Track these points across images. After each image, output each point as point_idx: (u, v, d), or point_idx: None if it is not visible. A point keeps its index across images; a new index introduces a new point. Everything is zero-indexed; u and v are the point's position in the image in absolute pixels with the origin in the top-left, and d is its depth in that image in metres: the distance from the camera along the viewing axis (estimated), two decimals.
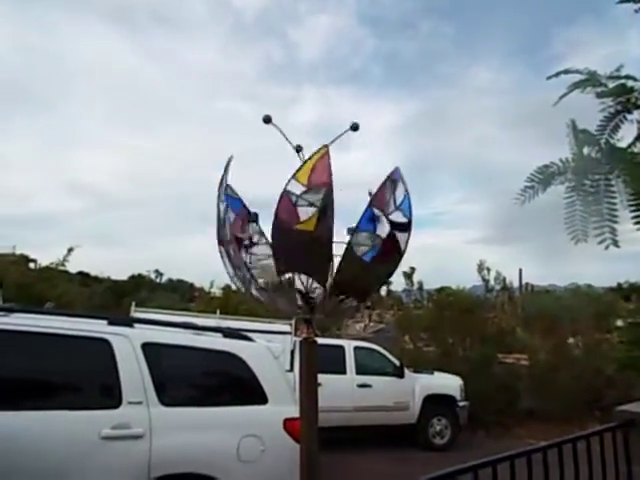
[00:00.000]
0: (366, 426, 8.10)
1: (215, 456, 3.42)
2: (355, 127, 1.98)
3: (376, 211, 1.90)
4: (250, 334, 7.36)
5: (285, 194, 1.78)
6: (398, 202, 1.95)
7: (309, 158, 1.85)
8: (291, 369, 8.01)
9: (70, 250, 12.36)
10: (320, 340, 7.76)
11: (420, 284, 15.89)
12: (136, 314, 7.49)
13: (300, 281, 1.95)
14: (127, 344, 3.45)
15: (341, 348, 8.52)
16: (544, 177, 1.99)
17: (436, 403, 8.57)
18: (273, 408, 3.79)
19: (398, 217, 1.95)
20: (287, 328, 8.35)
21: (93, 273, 37.70)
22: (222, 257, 2.16)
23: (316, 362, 2.17)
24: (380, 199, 1.91)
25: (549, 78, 2.15)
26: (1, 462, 2.85)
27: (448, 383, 8.96)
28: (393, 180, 1.96)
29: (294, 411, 3.87)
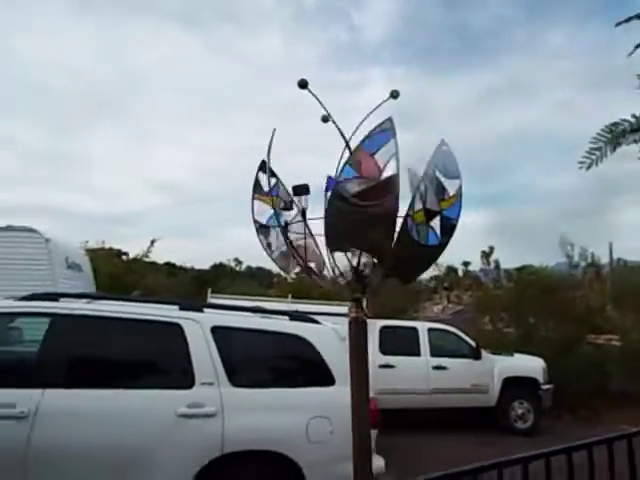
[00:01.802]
0: (443, 409, 7.94)
1: (285, 435, 3.50)
2: (395, 95, 1.88)
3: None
4: (320, 317, 7.51)
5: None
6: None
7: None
8: None
9: (153, 242, 13.15)
10: (393, 322, 7.72)
11: (497, 263, 15.19)
12: (212, 300, 7.83)
13: (347, 259, 1.90)
14: (197, 328, 3.60)
15: (414, 330, 8.38)
16: (613, 136, 1.76)
17: (517, 386, 8.20)
18: (340, 389, 3.78)
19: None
20: None
21: (179, 264, 39.74)
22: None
23: (365, 343, 2.12)
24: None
25: (618, 25, 1.90)
26: (87, 436, 3.10)
27: (529, 365, 8.54)
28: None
29: None
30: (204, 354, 3.54)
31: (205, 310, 3.84)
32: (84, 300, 3.68)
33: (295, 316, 4.12)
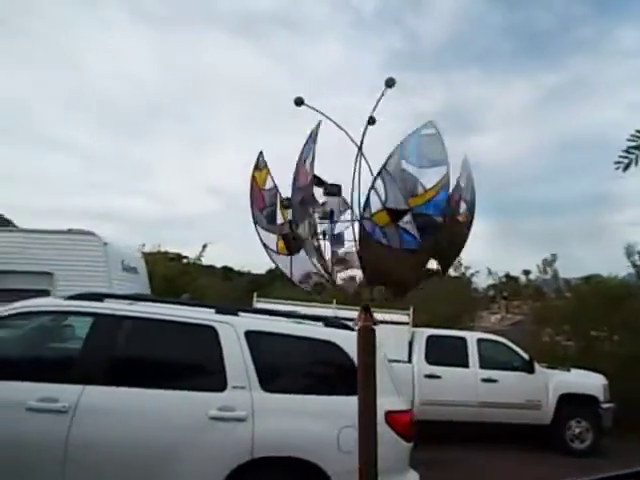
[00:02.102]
0: (493, 423, 7.60)
1: (315, 443, 3.45)
2: (391, 84, 1.79)
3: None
4: None
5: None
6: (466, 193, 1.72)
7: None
8: (409, 360, 7.84)
9: (204, 246, 13.51)
10: (440, 331, 7.50)
11: (555, 272, 14.40)
12: (258, 304, 7.92)
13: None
14: (231, 331, 3.64)
15: (463, 340, 8.09)
16: None
17: (574, 403, 7.72)
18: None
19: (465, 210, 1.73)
20: (405, 318, 8.18)
21: (237, 268, 40.65)
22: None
23: (374, 352, 2.05)
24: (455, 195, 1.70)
25: None
26: (121, 432, 3.20)
27: (588, 381, 8.01)
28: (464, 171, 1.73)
29: (397, 403, 3.77)
30: (237, 358, 3.57)
31: (240, 314, 3.88)
32: (127, 301, 3.81)
33: (329, 322, 4.07)
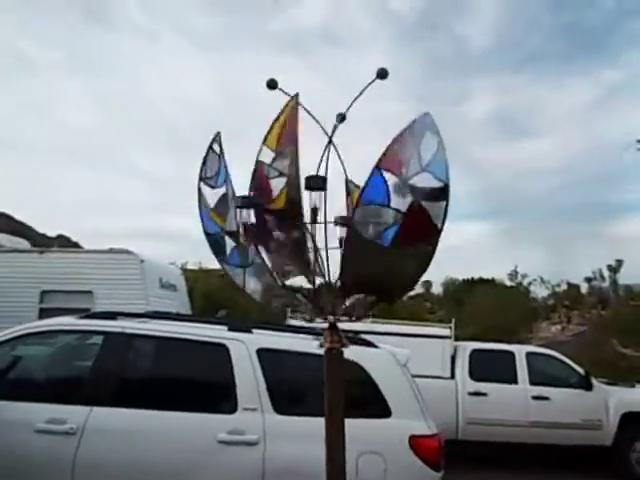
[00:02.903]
0: (545, 445, 7.00)
1: None
2: (382, 74, 1.56)
3: (387, 175, 1.44)
4: (402, 338, 7.07)
5: (258, 166, 1.47)
6: (425, 161, 1.45)
7: (277, 117, 1.50)
8: (452, 376, 7.40)
9: None
10: (485, 345, 7.01)
11: (613, 279, 13.37)
12: (291, 321, 7.74)
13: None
14: (243, 349, 3.47)
15: (510, 354, 7.55)
16: None
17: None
18: (397, 422, 3.42)
19: (425, 181, 1.46)
20: (446, 332, 7.76)
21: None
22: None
23: (341, 378, 1.81)
24: (392, 159, 1.45)
25: None
26: (128, 455, 3.09)
27: None
28: (417, 131, 1.46)
29: (423, 427, 3.45)
30: (249, 378, 3.39)
31: (255, 331, 3.71)
32: (139, 319, 3.74)
33: (349, 339, 3.82)
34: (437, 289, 40.20)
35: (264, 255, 1.60)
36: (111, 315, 3.67)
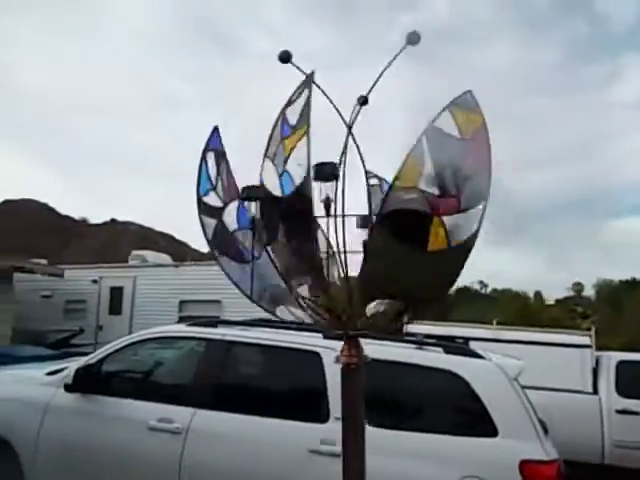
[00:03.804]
0: None
1: None
2: (413, 40, 1.36)
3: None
4: (532, 347, 6.39)
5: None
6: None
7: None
8: (594, 392, 6.49)
9: None
10: (635, 356, 6.04)
11: None
12: (407, 326, 7.47)
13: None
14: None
15: None
16: None
17: None
18: (505, 443, 3.05)
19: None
20: (585, 340, 6.84)
21: None
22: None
23: (361, 396, 1.60)
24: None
25: None
26: (224, 457, 3.19)
27: None
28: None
29: (537, 450, 3.04)
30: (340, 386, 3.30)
31: None
32: (239, 327, 3.88)
33: (451, 348, 3.53)
34: (589, 292, 36.21)
35: (272, 255, 1.50)
36: (213, 323, 3.87)
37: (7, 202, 42.62)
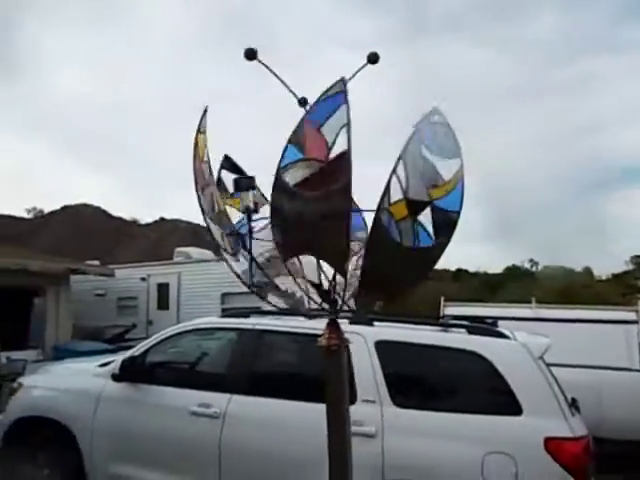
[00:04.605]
0: None
1: (455, 469, 3.05)
2: (373, 59, 1.42)
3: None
4: (571, 325, 6.26)
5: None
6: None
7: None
8: None
9: None
10: None
11: None
12: (446, 310, 7.46)
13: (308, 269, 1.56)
14: (362, 342, 3.52)
15: None
16: None
17: None
18: (530, 421, 3.08)
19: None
20: (631, 315, 6.62)
21: (472, 269, 39.38)
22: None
23: (343, 378, 1.69)
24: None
25: None
26: (261, 440, 3.38)
27: None
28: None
29: (563, 427, 3.06)
30: (367, 370, 3.43)
31: (376, 324, 3.72)
32: (271, 316, 4.05)
33: (474, 329, 3.57)
34: None
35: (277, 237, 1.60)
36: (245, 313, 4.07)
37: (65, 208, 45.02)
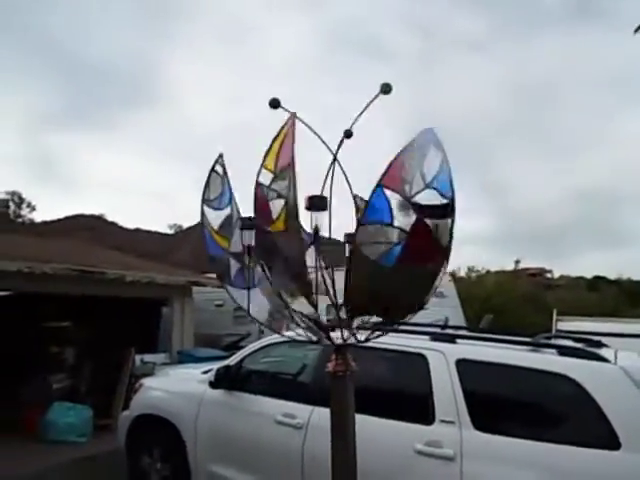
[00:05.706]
0: None
1: None
2: (387, 90, 1.42)
3: (390, 193, 1.30)
4: None
5: (258, 188, 1.50)
6: (429, 177, 1.26)
7: (276, 136, 1.50)
8: None
9: (517, 262, 12.55)
10: None
11: None
12: (558, 324, 6.86)
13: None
14: (442, 360, 3.44)
15: None
16: None
17: None
18: (631, 457, 2.75)
19: (429, 198, 1.26)
20: None
21: (613, 277, 36.01)
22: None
23: (351, 403, 1.65)
24: (394, 176, 1.29)
25: None
26: None
27: None
28: (420, 146, 1.28)
29: None
30: (446, 389, 3.34)
31: (458, 341, 3.61)
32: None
33: (565, 350, 3.28)
34: None
35: (268, 275, 1.69)
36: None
37: (186, 230, 49.35)
